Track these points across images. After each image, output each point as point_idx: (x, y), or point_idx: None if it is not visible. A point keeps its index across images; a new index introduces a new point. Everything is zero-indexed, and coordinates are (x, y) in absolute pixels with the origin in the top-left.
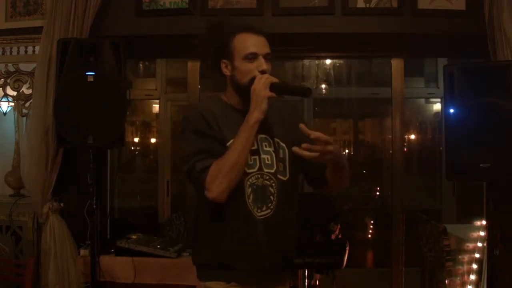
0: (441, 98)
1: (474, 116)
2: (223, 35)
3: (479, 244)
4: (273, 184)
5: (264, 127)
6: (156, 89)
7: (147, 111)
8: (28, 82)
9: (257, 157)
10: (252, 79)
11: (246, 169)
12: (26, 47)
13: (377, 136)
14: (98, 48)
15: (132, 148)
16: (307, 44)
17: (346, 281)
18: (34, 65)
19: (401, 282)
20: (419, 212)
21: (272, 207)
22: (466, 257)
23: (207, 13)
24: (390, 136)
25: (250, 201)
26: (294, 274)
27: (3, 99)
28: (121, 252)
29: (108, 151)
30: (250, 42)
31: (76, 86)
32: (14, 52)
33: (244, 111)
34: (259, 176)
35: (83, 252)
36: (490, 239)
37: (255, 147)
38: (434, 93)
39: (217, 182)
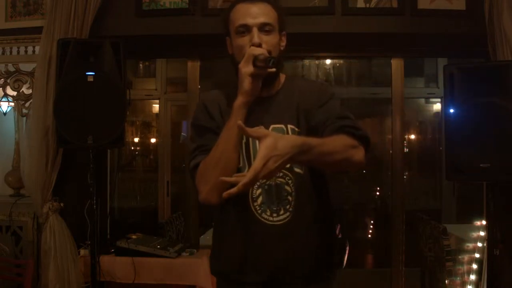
0: (441, 98)
1: (474, 116)
2: (228, 10)
3: (479, 244)
4: (289, 182)
5: (275, 115)
6: (156, 89)
7: (147, 111)
8: (28, 82)
9: None
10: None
11: None
12: (26, 47)
13: (377, 136)
14: (98, 48)
15: (132, 148)
16: (307, 44)
17: (346, 281)
18: (34, 65)
19: (401, 282)
20: (419, 212)
21: (291, 209)
22: (466, 257)
23: (207, 13)
24: (390, 136)
25: (257, 204)
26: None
27: (3, 99)
28: (121, 252)
29: (108, 151)
30: (242, 12)
31: (76, 86)
32: (14, 52)
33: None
34: None
35: (83, 252)
36: (490, 239)
37: None
38: (434, 93)
39: (203, 182)
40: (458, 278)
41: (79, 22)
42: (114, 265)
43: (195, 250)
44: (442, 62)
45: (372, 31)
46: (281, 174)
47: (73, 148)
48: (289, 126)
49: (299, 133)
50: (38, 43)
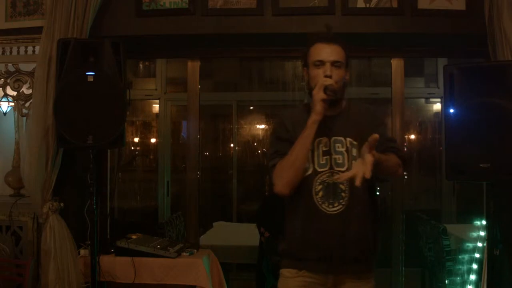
0: (441, 98)
1: (474, 116)
2: (307, 46)
3: (479, 244)
4: (344, 182)
5: (338, 129)
6: (156, 89)
7: (147, 111)
8: (28, 82)
9: (328, 157)
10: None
11: (317, 168)
12: (26, 47)
13: None
14: (98, 48)
15: (132, 148)
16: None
17: None
18: (34, 65)
19: (401, 282)
20: (419, 212)
21: (344, 203)
22: (466, 257)
23: (207, 13)
24: None
25: (318, 197)
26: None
27: (3, 99)
28: (121, 252)
29: (108, 151)
30: (320, 51)
31: (76, 86)
32: (14, 52)
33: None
34: (330, 174)
35: (83, 252)
36: (490, 239)
37: (327, 148)
38: (434, 93)
39: (279, 177)
40: (458, 278)
41: (79, 22)
42: (114, 265)
43: (195, 250)
44: (442, 62)
45: (372, 31)
46: (338, 175)
47: (73, 148)
48: (348, 139)
49: (358, 145)
50: (38, 43)
